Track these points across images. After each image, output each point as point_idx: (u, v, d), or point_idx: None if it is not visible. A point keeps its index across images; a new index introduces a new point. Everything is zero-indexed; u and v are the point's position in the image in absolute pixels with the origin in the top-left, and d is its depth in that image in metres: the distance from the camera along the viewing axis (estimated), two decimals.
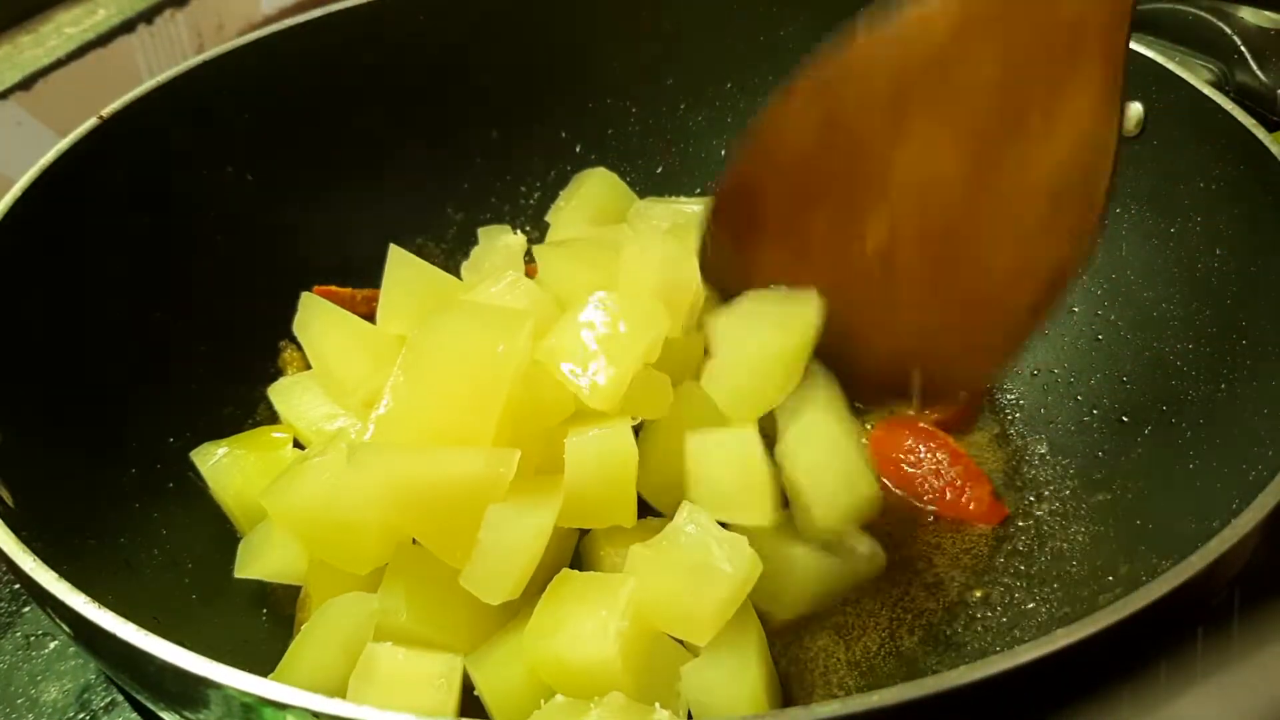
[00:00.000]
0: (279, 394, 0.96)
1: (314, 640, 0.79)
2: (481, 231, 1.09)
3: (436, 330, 0.81)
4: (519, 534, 0.77)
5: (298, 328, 0.95)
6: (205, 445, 0.92)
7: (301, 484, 0.80)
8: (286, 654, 0.80)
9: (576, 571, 0.80)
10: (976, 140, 0.78)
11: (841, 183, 0.83)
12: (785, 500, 0.86)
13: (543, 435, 0.82)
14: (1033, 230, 0.80)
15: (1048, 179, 0.78)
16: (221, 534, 0.90)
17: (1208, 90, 0.92)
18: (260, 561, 0.85)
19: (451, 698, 0.76)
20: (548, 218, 1.09)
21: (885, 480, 0.95)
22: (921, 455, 0.95)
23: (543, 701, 0.75)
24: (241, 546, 0.87)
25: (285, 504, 0.80)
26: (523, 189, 1.18)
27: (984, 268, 0.81)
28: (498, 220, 1.15)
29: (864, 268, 0.83)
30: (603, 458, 0.80)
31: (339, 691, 0.75)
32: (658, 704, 0.74)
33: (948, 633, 0.85)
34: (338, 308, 0.96)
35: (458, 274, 1.06)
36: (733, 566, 0.77)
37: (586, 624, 0.75)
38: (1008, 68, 0.77)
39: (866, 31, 0.79)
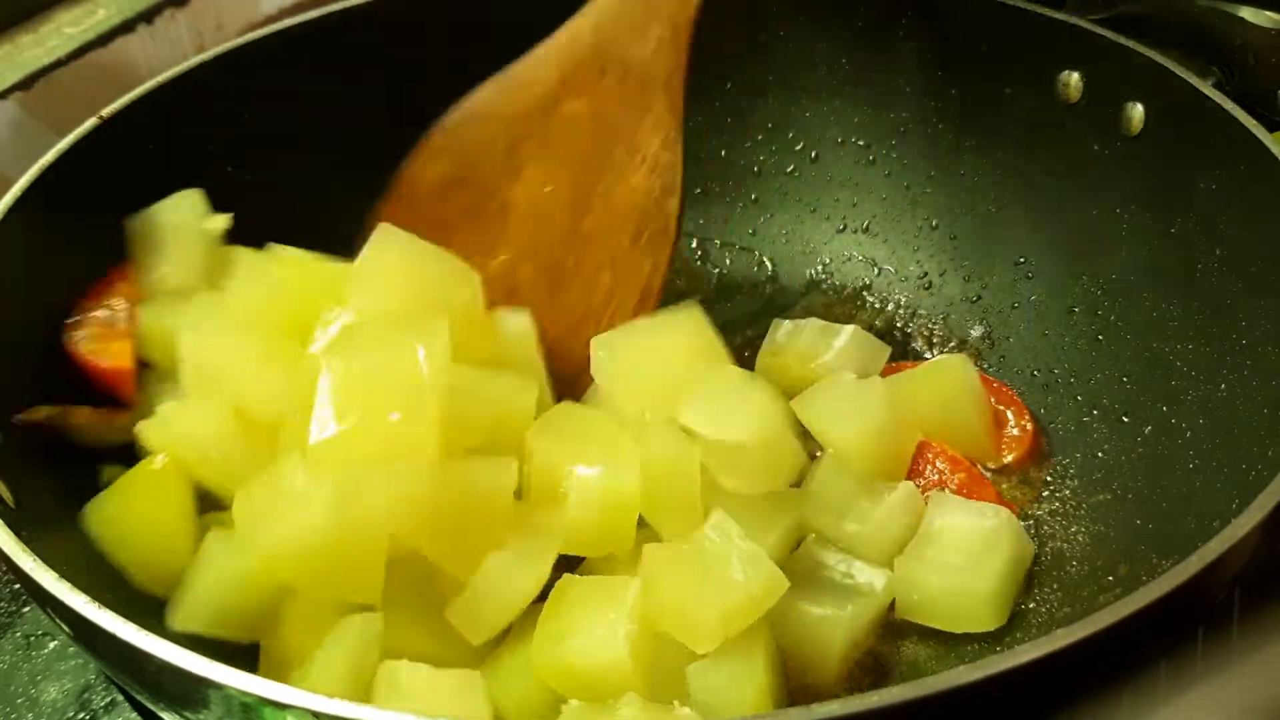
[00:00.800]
0: (156, 429, 0.83)
1: (319, 665, 0.76)
2: None
3: (351, 346, 0.78)
4: (513, 588, 0.76)
5: (184, 329, 0.84)
6: (92, 502, 0.82)
7: (286, 520, 0.74)
8: (291, 678, 0.76)
9: (579, 577, 0.79)
10: (575, 175, 0.95)
11: (470, 217, 0.96)
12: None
13: (512, 442, 0.81)
14: (625, 250, 0.95)
15: (632, 202, 0.94)
16: None
17: (1208, 90, 0.92)
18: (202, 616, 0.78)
19: (485, 704, 0.75)
20: None
21: None
22: (921, 466, 0.94)
23: (563, 707, 0.74)
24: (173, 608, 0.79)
25: (272, 546, 0.74)
26: None
27: (588, 287, 0.96)
28: None
29: (495, 288, 0.92)
30: (606, 495, 0.80)
31: None
32: (676, 701, 0.74)
33: (948, 633, 0.85)
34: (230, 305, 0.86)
35: None
36: (746, 578, 0.76)
37: (596, 629, 0.74)
38: (596, 116, 0.95)
39: (486, 85, 0.96)
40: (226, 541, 0.78)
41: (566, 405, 0.87)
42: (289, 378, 0.82)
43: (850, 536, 0.88)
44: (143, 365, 0.90)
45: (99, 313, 0.90)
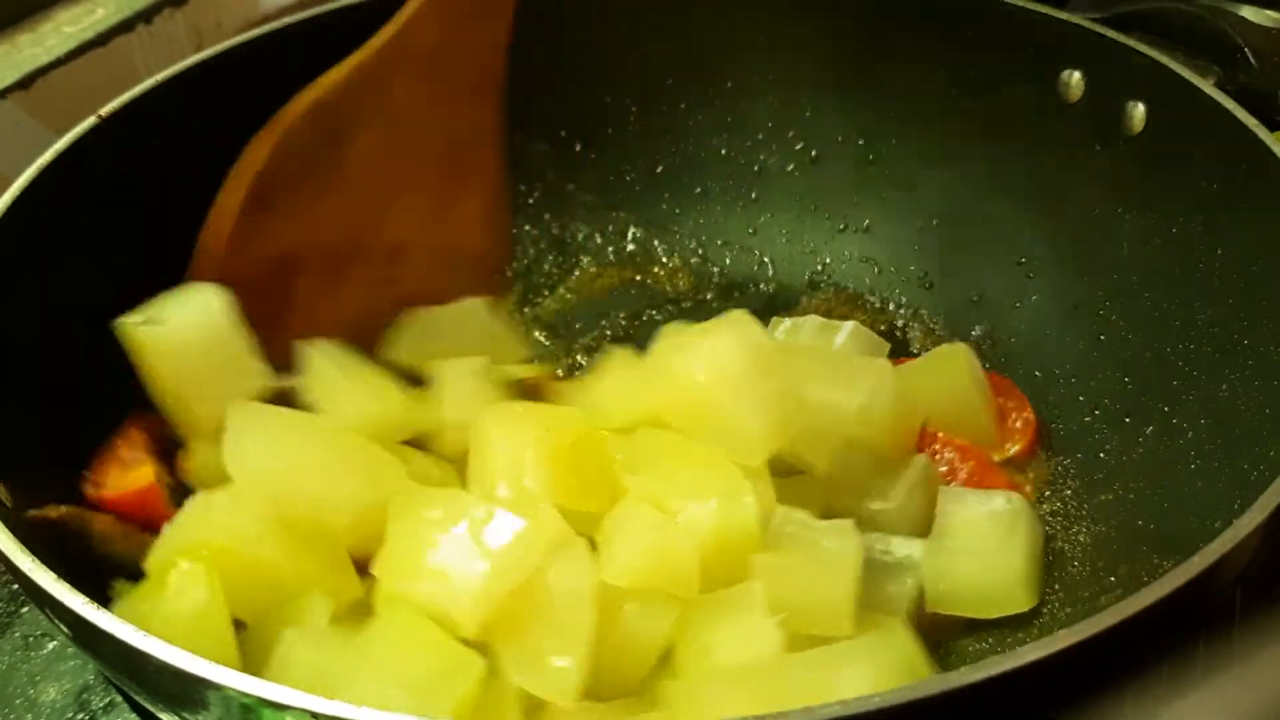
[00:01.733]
0: (193, 518, 0.78)
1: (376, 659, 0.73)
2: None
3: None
4: (648, 637, 0.76)
5: (227, 451, 0.78)
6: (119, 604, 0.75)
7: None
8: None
9: (700, 597, 0.78)
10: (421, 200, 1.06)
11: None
12: None
13: None
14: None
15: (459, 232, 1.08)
16: None
17: (1208, 90, 0.92)
18: None
19: None
20: None
21: None
22: (930, 456, 0.93)
23: None
24: None
25: None
26: (522, 188, 1.17)
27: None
28: None
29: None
30: (722, 533, 0.78)
31: None
32: None
33: (948, 633, 0.85)
34: (279, 411, 0.83)
35: None
36: (853, 552, 0.79)
37: (745, 636, 0.75)
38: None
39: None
40: None
41: (648, 431, 0.84)
42: (342, 479, 0.79)
43: (875, 514, 0.89)
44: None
45: (114, 460, 0.87)
